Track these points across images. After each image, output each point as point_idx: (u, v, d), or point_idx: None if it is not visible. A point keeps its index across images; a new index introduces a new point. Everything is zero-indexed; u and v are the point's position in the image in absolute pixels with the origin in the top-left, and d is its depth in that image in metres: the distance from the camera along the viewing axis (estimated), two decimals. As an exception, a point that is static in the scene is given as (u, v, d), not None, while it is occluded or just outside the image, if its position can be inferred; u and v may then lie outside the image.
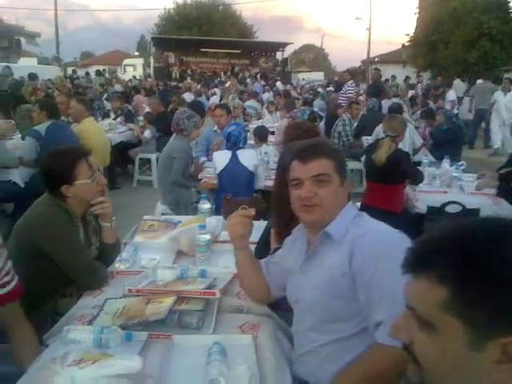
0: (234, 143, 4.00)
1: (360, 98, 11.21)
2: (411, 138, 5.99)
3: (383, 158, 3.72)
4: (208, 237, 2.24)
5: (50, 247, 2.05)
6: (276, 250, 2.07)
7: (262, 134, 5.40)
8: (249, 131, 7.66)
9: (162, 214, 4.44)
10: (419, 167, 4.48)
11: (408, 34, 23.64)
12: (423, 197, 4.00)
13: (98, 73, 19.31)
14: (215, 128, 5.59)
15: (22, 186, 4.52)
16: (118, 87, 15.24)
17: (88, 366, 1.20)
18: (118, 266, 2.24)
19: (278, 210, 2.21)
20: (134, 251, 2.40)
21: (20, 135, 5.60)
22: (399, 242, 1.36)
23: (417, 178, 3.93)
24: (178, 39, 33.16)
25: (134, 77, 24.87)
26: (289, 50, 38.08)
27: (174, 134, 4.49)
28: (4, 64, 9.09)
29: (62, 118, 5.33)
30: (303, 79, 33.78)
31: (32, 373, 1.42)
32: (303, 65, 49.62)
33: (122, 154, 7.06)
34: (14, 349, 1.77)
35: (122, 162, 7.09)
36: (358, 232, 1.49)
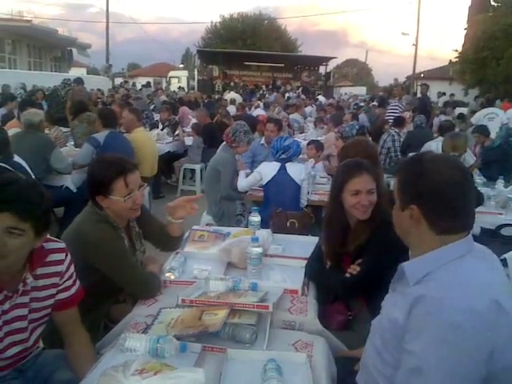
0: (289, 156, 3.98)
1: (406, 114, 10.99)
2: (463, 157, 5.79)
3: None
4: (260, 250, 2.23)
5: (103, 264, 2.07)
6: (333, 268, 2.05)
7: (319, 146, 5.36)
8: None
9: (207, 224, 4.49)
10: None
11: (456, 50, 23.09)
12: (476, 218, 3.83)
13: (147, 84, 19.92)
14: (262, 141, 5.57)
15: (74, 190, 4.66)
16: (163, 97, 15.58)
17: (151, 377, 1.20)
18: (169, 275, 2.25)
19: (332, 230, 2.19)
20: (184, 260, 2.42)
21: (73, 142, 5.81)
22: (468, 324, 1.12)
23: (478, 199, 3.79)
24: (222, 52, 33.73)
25: (181, 87, 25.38)
26: (332, 65, 38.05)
27: (222, 145, 4.53)
28: (65, 78, 9.43)
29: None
30: (345, 94, 33.63)
31: (92, 379, 1.44)
32: (346, 79, 49.33)
33: (167, 163, 7.18)
34: (70, 354, 1.79)
35: (167, 171, 7.21)
36: (433, 295, 1.21)
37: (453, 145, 3.83)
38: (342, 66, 54.79)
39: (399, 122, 7.46)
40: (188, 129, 8.33)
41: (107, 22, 28.67)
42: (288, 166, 3.95)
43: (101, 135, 4.74)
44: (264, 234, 2.54)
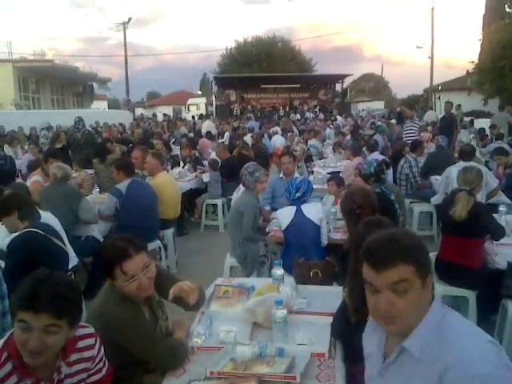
0: (300, 197, 4.00)
1: (425, 134, 10.90)
2: (485, 181, 5.69)
3: (463, 213, 3.56)
4: (285, 312, 2.25)
5: (128, 343, 2.10)
6: (358, 325, 2.03)
7: (340, 182, 5.37)
8: (313, 172, 7.71)
9: (231, 266, 4.55)
10: (495, 214, 4.25)
11: (473, 62, 22.90)
12: (503, 251, 3.78)
13: (165, 116, 20.40)
14: (281, 175, 5.62)
15: (101, 240, 4.78)
16: (183, 129, 15.84)
17: None
18: (196, 340, 2.29)
19: (354, 287, 2.18)
20: (210, 323, 2.45)
21: (98, 189, 5.97)
22: (498, 372, 1.23)
23: (498, 232, 3.73)
24: (238, 77, 34.20)
25: (201, 115, 25.83)
26: (348, 81, 38.16)
27: (243, 188, 4.61)
28: (77, 117, 9.74)
29: (137, 170, 5.61)
30: (363, 110, 33.56)
31: None
32: (363, 94, 49.33)
33: (190, 200, 7.30)
34: None
35: (190, 208, 7.32)
36: (448, 360, 1.29)
37: (464, 179, 3.82)
38: (358, 81, 54.83)
39: (416, 146, 7.40)
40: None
41: (125, 56, 29.53)
42: (304, 207, 3.94)
43: (123, 185, 4.87)
44: (288, 291, 2.55)
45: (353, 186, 3.68)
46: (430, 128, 14.29)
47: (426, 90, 29.12)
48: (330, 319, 2.37)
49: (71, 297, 1.57)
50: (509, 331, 3.33)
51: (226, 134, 14.81)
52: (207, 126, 15.27)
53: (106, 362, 1.87)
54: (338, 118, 20.89)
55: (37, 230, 3.17)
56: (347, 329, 2.24)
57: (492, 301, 3.61)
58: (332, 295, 2.76)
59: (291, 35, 68.37)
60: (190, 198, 7.19)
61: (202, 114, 26.06)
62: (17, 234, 3.20)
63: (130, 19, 31.43)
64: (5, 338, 1.65)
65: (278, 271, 2.81)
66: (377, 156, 6.88)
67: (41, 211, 3.57)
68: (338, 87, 35.18)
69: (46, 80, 27.56)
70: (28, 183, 5.53)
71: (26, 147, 11.15)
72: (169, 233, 5.54)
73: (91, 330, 1.82)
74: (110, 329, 2.06)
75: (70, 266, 3.71)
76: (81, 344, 1.75)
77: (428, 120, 15.81)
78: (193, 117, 24.91)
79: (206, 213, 7.54)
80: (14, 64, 24.26)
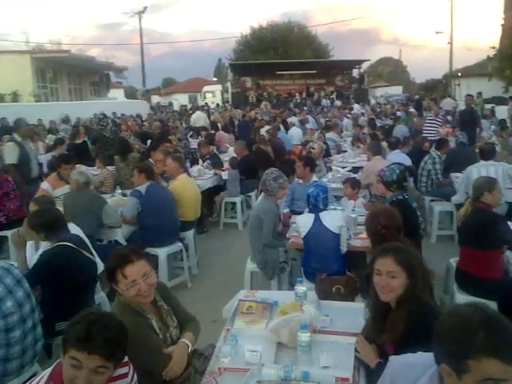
0: (314, 205, 4.03)
1: (446, 129, 10.74)
2: (505, 182, 5.60)
3: (459, 221, 3.61)
4: (309, 336, 2.31)
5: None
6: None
7: (355, 184, 5.34)
8: (331, 168, 7.69)
9: (252, 271, 4.61)
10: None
11: (493, 47, 22.38)
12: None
13: (182, 107, 20.53)
14: (301, 180, 5.65)
15: (125, 244, 4.87)
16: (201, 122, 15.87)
17: None
18: (223, 361, 2.36)
19: (373, 315, 2.24)
20: (235, 342, 2.51)
21: (120, 190, 6.07)
22: None
23: None
24: (254, 64, 33.98)
25: (218, 105, 25.90)
26: (365, 65, 37.63)
27: (263, 194, 4.64)
28: (100, 113, 9.87)
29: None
30: (381, 96, 33.16)
31: None
32: (380, 79, 48.61)
33: (209, 198, 7.37)
34: None
35: (209, 206, 7.39)
36: None
37: (473, 185, 3.87)
38: (375, 65, 54.02)
39: (442, 144, 7.32)
40: (226, 158, 8.50)
41: (141, 46, 29.53)
42: (322, 215, 3.96)
43: (142, 187, 4.98)
44: (312, 311, 2.60)
45: (378, 207, 3.69)
46: (449, 117, 14.10)
47: (446, 75, 28.56)
48: (353, 340, 2.41)
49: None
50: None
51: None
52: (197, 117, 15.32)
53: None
54: (355, 106, 20.66)
55: (68, 244, 3.25)
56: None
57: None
58: (354, 312, 2.81)
59: (307, 18, 67.46)
60: (208, 196, 7.26)
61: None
62: (48, 247, 3.31)
63: (145, 8, 31.37)
64: (50, 369, 1.74)
65: (301, 288, 2.86)
66: (398, 156, 6.83)
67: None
68: (355, 73, 34.78)
69: (63, 70, 27.75)
70: (41, 185, 5.69)
71: (47, 141, 11.31)
72: (190, 234, 5.62)
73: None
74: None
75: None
76: (116, 373, 1.83)
77: (444, 107, 15.54)
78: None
79: (226, 210, 7.61)
80: (32, 55, 24.46)
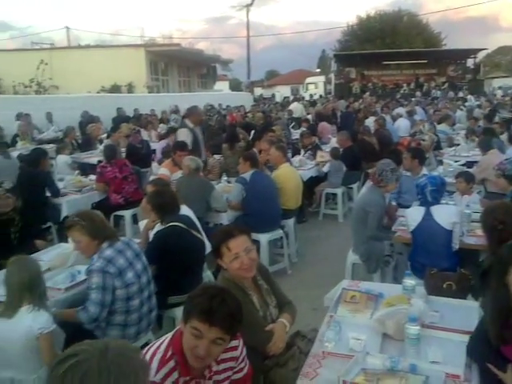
0: (423, 198, 3.81)
1: None
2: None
3: None
4: (418, 329, 2.23)
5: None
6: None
7: (469, 178, 5.02)
8: (442, 162, 7.29)
9: (353, 263, 4.54)
10: None
11: None
12: None
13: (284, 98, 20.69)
14: (408, 173, 5.43)
15: (230, 227, 5.08)
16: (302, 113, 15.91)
17: None
18: (327, 345, 2.37)
19: (496, 312, 2.08)
20: (339, 329, 2.50)
21: (226, 178, 6.31)
22: None
23: None
24: (360, 54, 33.19)
25: (321, 96, 25.75)
26: (481, 54, 34.95)
27: (369, 185, 4.54)
28: (208, 104, 10.31)
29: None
30: (499, 87, 30.59)
31: None
32: (498, 69, 44.84)
33: (309, 188, 7.37)
34: None
35: (309, 196, 7.39)
36: None
37: None
38: (493, 55, 49.91)
39: None
40: (327, 149, 8.39)
41: (248, 40, 30.18)
42: (434, 210, 3.73)
43: (247, 175, 5.15)
44: (420, 305, 2.51)
45: (494, 202, 3.43)
46: None
47: None
48: (465, 337, 2.29)
49: (239, 317, 1.78)
50: None
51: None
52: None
53: (247, 362, 2.04)
54: (469, 97, 19.29)
55: (178, 224, 3.47)
56: (487, 352, 2.14)
57: None
58: (466, 310, 2.66)
59: (418, 6, 64.13)
60: (309, 187, 7.25)
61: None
62: (161, 227, 3.55)
63: (253, 1, 31.98)
64: (170, 335, 1.87)
65: (409, 281, 2.76)
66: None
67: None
68: (470, 62, 32.45)
69: (173, 63, 29.28)
70: (160, 170, 6.08)
71: (159, 129, 12.06)
72: (290, 222, 5.69)
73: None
74: None
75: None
76: (228, 345, 1.93)
77: None
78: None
79: (326, 201, 7.56)
80: (146, 48, 26.12)
